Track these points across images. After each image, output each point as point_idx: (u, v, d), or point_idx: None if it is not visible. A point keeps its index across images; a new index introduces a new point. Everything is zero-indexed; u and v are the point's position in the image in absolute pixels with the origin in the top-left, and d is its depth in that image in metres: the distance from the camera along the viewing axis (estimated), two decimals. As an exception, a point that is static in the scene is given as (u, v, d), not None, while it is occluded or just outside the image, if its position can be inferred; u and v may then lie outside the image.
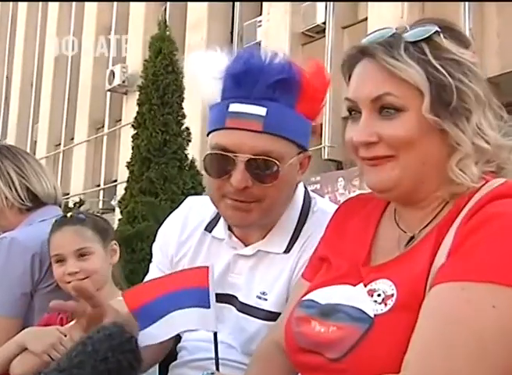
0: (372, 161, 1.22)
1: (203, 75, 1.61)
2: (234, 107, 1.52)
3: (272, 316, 1.56)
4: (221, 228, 1.72)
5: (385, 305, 1.16)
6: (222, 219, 1.71)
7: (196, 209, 1.80)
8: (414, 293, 1.14)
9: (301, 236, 1.64)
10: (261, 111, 1.51)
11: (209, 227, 1.74)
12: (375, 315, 1.16)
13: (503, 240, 1.08)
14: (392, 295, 1.16)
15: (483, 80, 1.22)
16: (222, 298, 1.64)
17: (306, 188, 1.73)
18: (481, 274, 1.06)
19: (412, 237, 1.25)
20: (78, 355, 1.24)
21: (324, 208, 1.69)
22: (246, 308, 1.63)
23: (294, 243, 1.63)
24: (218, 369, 1.46)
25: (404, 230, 1.28)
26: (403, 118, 1.18)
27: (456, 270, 1.09)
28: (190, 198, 1.87)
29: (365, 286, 1.22)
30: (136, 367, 1.29)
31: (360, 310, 1.18)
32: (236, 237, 1.68)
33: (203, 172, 1.71)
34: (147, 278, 1.81)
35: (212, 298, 1.44)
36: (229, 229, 1.70)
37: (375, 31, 1.26)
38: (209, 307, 1.42)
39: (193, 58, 1.67)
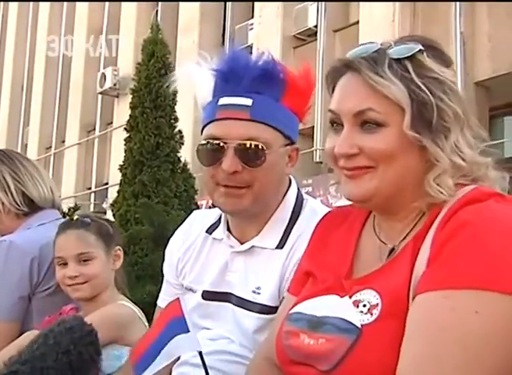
0: (351, 171, 1.25)
1: (195, 80, 1.73)
2: (223, 100, 1.66)
3: (267, 310, 1.62)
4: (221, 230, 1.79)
5: (371, 314, 1.18)
6: (222, 222, 1.80)
7: (199, 219, 1.89)
8: (398, 301, 1.16)
9: (293, 232, 1.70)
10: (248, 101, 1.64)
11: (210, 230, 1.82)
12: (361, 325, 1.18)
13: (479, 246, 1.10)
14: (377, 305, 1.18)
15: (463, 99, 1.26)
16: (220, 296, 1.72)
17: (299, 189, 1.80)
18: (462, 281, 1.08)
19: (392, 249, 1.28)
20: (40, 348, 1.25)
21: (315, 207, 1.76)
22: (242, 303, 1.69)
23: (287, 239, 1.70)
24: None
25: (384, 242, 1.31)
26: (384, 133, 1.22)
27: (437, 279, 1.11)
28: (194, 211, 2.00)
29: (350, 297, 1.24)
30: (96, 360, 1.31)
31: (347, 321, 1.20)
32: (234, 236, 1.76)
33: (195, 175, 1.79)
34: (161, 293, 1.93)
35: (189, 323, 1.44)
36: (228, 229, 1.78)
37: (360, 45, 1.30)
38: (188, 331, 1.43)
39: (183, 66, 1.79)
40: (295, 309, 1.34)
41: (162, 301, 1.93)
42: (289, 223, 1.72)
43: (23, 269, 2.12)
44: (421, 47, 1.25)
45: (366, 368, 1.14)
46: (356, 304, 1.22)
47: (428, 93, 1.21)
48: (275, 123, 1.66)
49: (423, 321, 1.10)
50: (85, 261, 2.05)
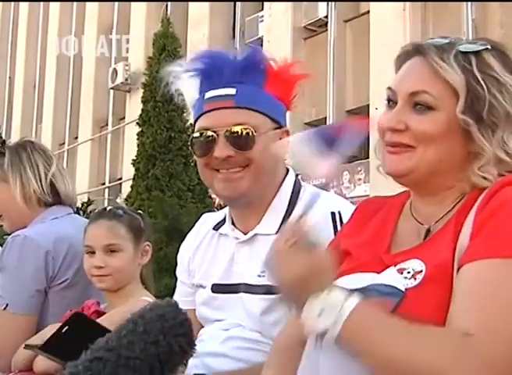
0: (393, 148, 1.31)
1: (180, 87, 1.82)
2: (208, 94, 1.74)
3: (271, 289, 1.64)
4: (226, 225, 1.84)
5: (415, 279, 1.22)
6: (227, 218, 1.84)
7: (208, 220, 1.94)
8: (443, 269, 1.20)
9: (292, 217, 1.73)
10: (231, 91, 1.72)
11: (217, 226, 1.88)
12: (406, 288, 1.21)
13: None
14: (421, 271, 1.22)
15: None
16: (229, 288, 1.77)
17: (297, 177, 1.85)
18: (508, 251, 1.14)
19: (429, 230, 1.32)
20: (128, 335, 1.20)
21: (312, 192, 1.77)
22: (249, 288, 1.73)
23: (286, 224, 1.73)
24: None
25: (421, 223, 1.35)
26: (433, 116, 1.28)
27: (483, 249, 1.16)
28: (204, 214, 2.05)
29: (395, 266, 1.27)
30: (187, 351, 1.25)
31: (391, 286, 1.23)
32: (238, 229, 1.81)
33: None
34: (175, 294, 1.95)
35: None
36: (233, 223, 1.83)
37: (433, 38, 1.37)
38: None
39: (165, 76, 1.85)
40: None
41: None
42: (287, 210, 1.76)
43: (38, 263, 2.13)
44: (488, 46, 1.31)
45: None
46: (400, 271, 1.25)
47: (485, 87, 1.27)
48: (260, 107, 1.73)
49: (473, 288, 1.14)
50: (112, 252, 2.05)
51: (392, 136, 1.31)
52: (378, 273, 1.29)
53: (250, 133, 1.70)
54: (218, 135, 1.70)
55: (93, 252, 2.05)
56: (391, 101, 1.34)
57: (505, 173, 1.28)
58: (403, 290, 1.21)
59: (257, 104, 1.73)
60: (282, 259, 1.23)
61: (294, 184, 1.82)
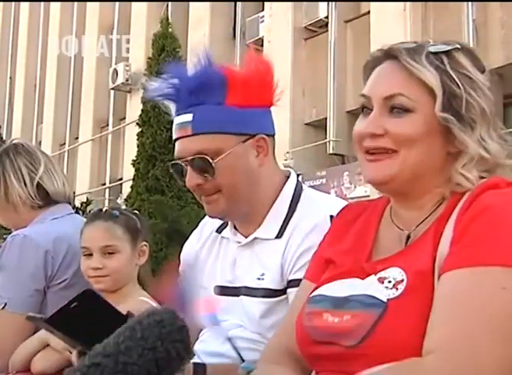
0: (373, 155, 1.29)
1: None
2: (175, 120, 1.74)
3: (270, 293, 1.69)
4: (228, 229, 1.86)
5: (397, 289, 1.20)
6: (229, 222, 1.86)
7: (211, 221, 1.93)
8: (423, 278, 1.19)
9: (291, 222, 1.76)
10: (188, 117, 1.70)
11: (219, 229, 1.89)
12: (387, 299, 1.20)
13: (502, 227, 1.15)
14: (403, 280, 1.21)
15: (491, 101, 1.31)
16: (231, 291, 1.78)
17: (298, 181, 1.85)
18: (488, 258, 1.13)
19: (409, 236, 1.31)
20: (125, 341, 1.19)
21: (311, 195, 1.83)
22: (248, 291, 1.74)
23: (285, 229, 1.75)
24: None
25: (402, 229, 1.34)
26: (411, 118, 1.27)
27: (464, 257, 1.15)
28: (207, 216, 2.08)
29: (375, 275, 1.26)
30: (185, 357, 1.24)
31: (373, 296, 1.22)
32: (240, 233, 1.82)
33: None
34: None
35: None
36: (235, 227, 1.84)
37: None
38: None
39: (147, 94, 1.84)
40: (316, 292, 1.35)
41: None
42: (287, 213, 1.76)
43: (37, 263, 2.12)
44: (458, 46, 1.32)
45: (392, 342, 1.16)
46: (381, 280, 1.24)
47: (460, 85, 1.27)
48: (219, 127, 1.70)
49: (451, 298, 1.13)
50: (110, 253, 2.05)
51: (372, 141, 1.29)
52: (363, 278, 1.28)
53: (208, 161, 1.68)
54: (185, 164, 1.72)
55: (90, 254, 2.05)
56: (366, 108, 1.33)
57: (484, 174, 1.27)
58: (385, 300, 1.20)
59: (214, 125, 1.69)
60: None
61: (295, 188, 1.82)
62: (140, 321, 1.22)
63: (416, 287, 1.19)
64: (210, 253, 1.89)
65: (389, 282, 1.22)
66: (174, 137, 1.75)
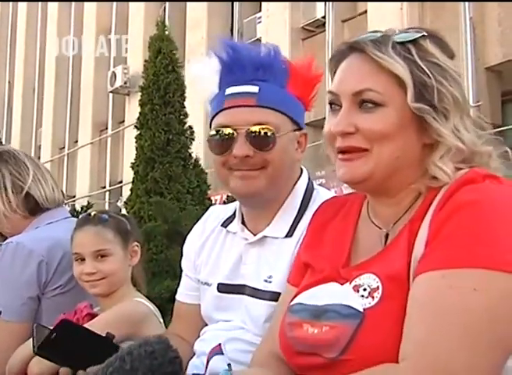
0: (346, 154, 1.27)
1: (205, 81, 1.78)
2: (230, 90, 1.70)
3: (277, 297, 1.64)
4: (235, 223, 1.82)
5: (373, 298, 1.19)
6: (237, 215, 1.82)
7: (215, 214, 1.92)
8: (399, 283, 1.17)
9: (302, 221, 1.72)
10: (254, 89, 1.68)
11: (225, 223, 1.85)
12: (364, 309, 1.19)
13: (476, 226, 1.13)
14: (378, 288, 1.20)
15: (463, 88, 1.28)
16: (235, 288, 1.75)
17: (309, 179, 1.82)
18: (460, 260, 1.11)
19: (387, 234, 1.29)
20: (114, 373, 1.17)
21: (324, 197, 1.77)
22: (254, 292, 1.71)
23: (295, 228, 1.72)
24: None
25: (380, 227, 1.32)
26: (381, 112, 1.23)
27: (436, 259, 1.14)
28: (211, 207, 2.04)
29: (350, 283, 1.25)
30: None
31: (349, 307, 1.21)
32: (248, 229, 1.78)
33: (207, 170, 1.81)
34: (180, 287, 1.95)
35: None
36: (243, 223, 1.80)
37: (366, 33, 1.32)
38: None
39: (193, 66, 1.83)
40: (296, 300, 1.34)
41: (182, 296, 1.96)
42: (298, 213, 1.74)
43: (30, 270, 2.11)
44: (424, 33, 1.27)
45: (372, 351, 1.15)
46: (356, 289, 1.22)
47: (430, 75, 1.23)
48: (282, 107, 1.70)
49: (423, 301, 1.12)
50: (102, 257, 2.04)
51: (344, 140, 1.26)
52: (342, 284, 1.27)
53: (271, 134, 1.67)
54: (237, 133, 1.67)
55: (82, 259, 2.04)
56: (334, 105, 1.30)
57: (461, 165, 1.24)
58: (361, 310, 1.19)
59: (279, 104, 1.70)
60: None
61: (307, 186, 1.79)
62: (131, 351, 1.19)
63: (392, 293, 1.17)
64: (214, 247, 1.85)
65: (365, 290, 1.21)
66: (225, 105, 1.70)
